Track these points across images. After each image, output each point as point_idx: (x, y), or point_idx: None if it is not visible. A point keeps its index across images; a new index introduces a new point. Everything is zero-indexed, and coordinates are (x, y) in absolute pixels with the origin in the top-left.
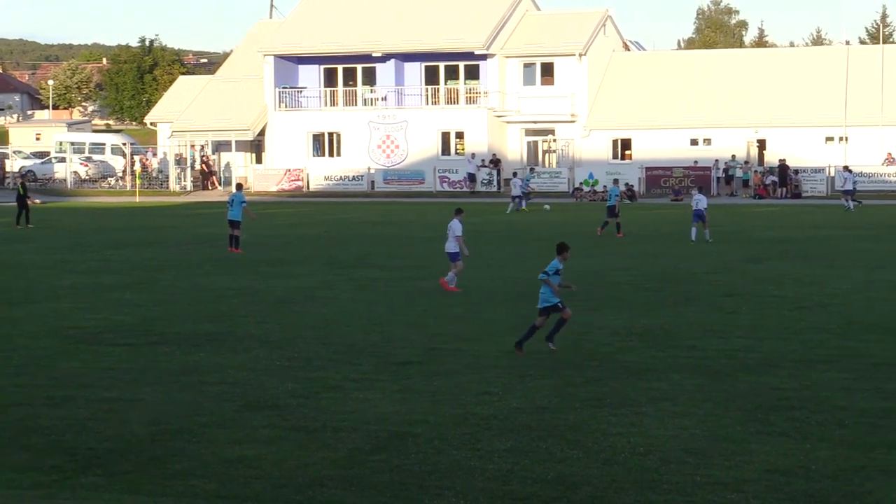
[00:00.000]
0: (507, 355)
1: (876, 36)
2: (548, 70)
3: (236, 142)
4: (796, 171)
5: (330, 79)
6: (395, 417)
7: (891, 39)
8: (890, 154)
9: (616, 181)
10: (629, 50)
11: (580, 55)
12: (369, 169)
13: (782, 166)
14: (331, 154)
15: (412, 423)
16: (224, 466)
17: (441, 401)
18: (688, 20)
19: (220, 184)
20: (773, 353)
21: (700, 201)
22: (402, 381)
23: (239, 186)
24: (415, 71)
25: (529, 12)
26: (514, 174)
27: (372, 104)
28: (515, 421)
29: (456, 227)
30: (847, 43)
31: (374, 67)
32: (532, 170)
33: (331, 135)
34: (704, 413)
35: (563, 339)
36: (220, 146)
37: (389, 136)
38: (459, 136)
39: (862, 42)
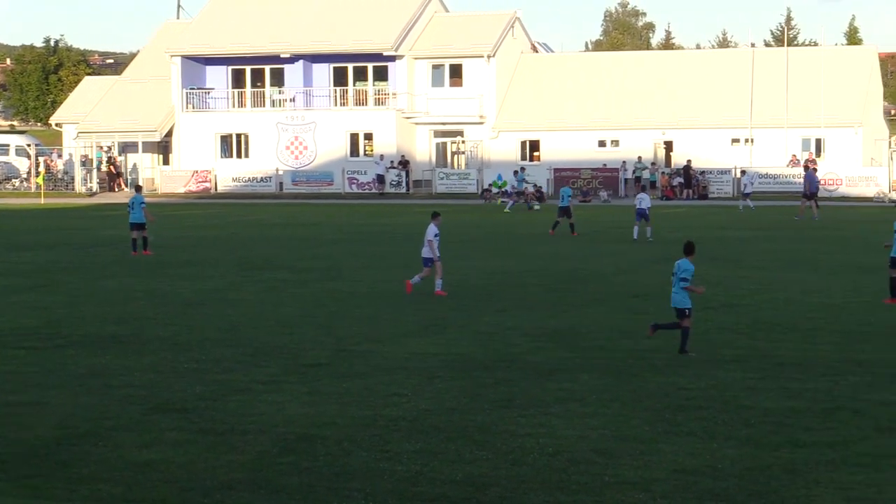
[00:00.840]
0: (416, 357)
1: (781, 38)
2: (456, 71)
3: (143, 143)
4: (702, 172)
5: (238, 80)
6: (303, 420)
7: (795, 42)
8: (795, 156)
9: (568, 180)
10: (537, 51)
11: (488, 57)
12: (277, 170)
13: (686, 167)
14: (239, 155)
15: (321, 426)
16: (131, 470)
17: (350, 403)
18: (595, 22)
19: (126, 185)
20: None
21: (643, 200)
22: (310, 383)
23: (138, 188)
24: (323, 72)
25: (438, 14)
26: (515, 172)
27: (280, 105)
28: (424, 422)
29: (429, 231)
30: (752, 45)
31: (283, 68)
32: (523, 169)
33: (239, 136)
34: (612, 413)
35: (472, 341)
36: (126, 147)
37: (298, 137)
38: (368, 137)
39: (767, 45)
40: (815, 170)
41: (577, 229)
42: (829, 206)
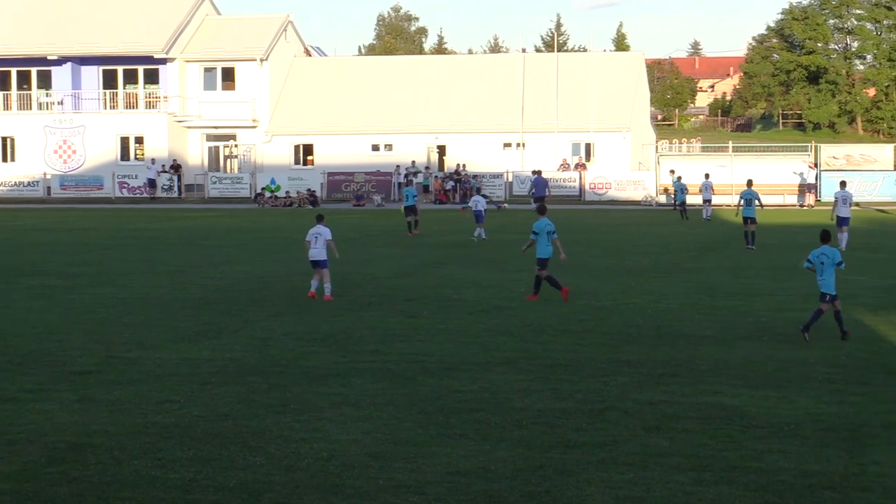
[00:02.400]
0: (188, 362)
1: (551, 44)
2: (229, 75)
3: None
4: (475, 176)
5: (3, 82)
6: (72, 428)
7: (565, 48)
8: (565, 160)
9: (409, 182)
10: (311, 55)
11: (261, 60)
12: (45, 175)
13: (455, 171)
14: (4, 159)
15: (91, 434)
16: None
17: (121, 410)
18: (369, 27)
19: None
20: (454, 356)
21: (479, 202)
22: (80, 390)
23: None
24: (92, 75)
25: (210, 16)
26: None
27: (48, 108)
28: (197, 429)
29: (326, 232)
30: (524, 51)
31: (50, 71)
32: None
33: (4, 139)
34: (387, 417)
35: (245, 346)
36: None
37: (66, 140)
38: (139, 141)
39: (538, 50)
40: (540, 174)
41: (372, 231)
42: (599, 210)
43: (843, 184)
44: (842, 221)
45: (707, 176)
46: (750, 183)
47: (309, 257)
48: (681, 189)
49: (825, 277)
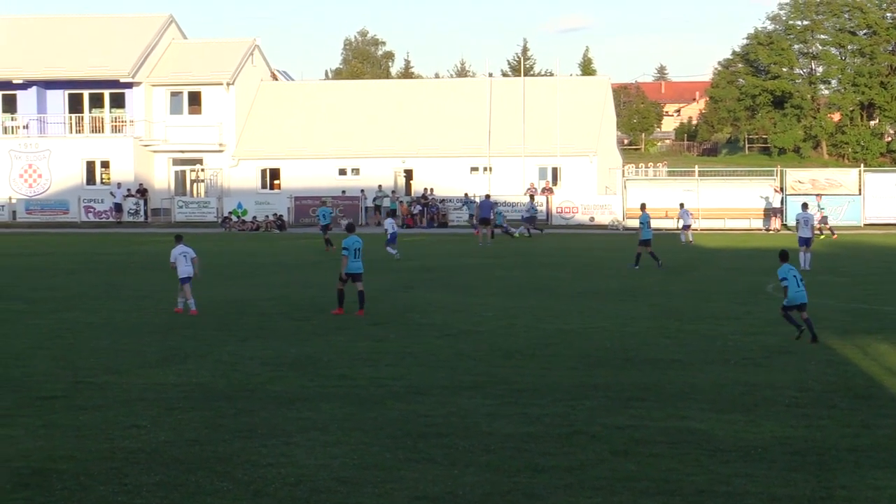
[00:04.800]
0: (155, 388)
1: (518, 69)
2: (195, 99)
3: None
4: (442, 201)
5: None
6: (38, 454)
7: (532, 72)
8: (533, 184)
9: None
10: (277, 79)
11: (228, 84)
12: (10, 199)
13: (422, 195)
14: None
15: (56, 459)
16: None
17: (87, 435)
18: (335, 51)
19: None
20: (421, 380)
21: (391, 225)
22: (45, 416)
23: None
24: (58, 98)
25: (176, 40)
26: (532, 197)
27: (13, 132)
28: (164, 454)
29: (192, 251)
30: (490, 75)
31: (16, 95)
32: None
33: None
34: (354, 441)
35: (212, 371)
36: None
37: (32, 164)
38: (105, 165)
39: (504, 74)
40: (488, 197)
41: (276, 259)
42: (566, 234)
43: (804, 206)
44: (803, 242)
45: (682, 205)
46: (643, 206)
47: (181, 274)
48: (534, 211)
49: (802, 288)
